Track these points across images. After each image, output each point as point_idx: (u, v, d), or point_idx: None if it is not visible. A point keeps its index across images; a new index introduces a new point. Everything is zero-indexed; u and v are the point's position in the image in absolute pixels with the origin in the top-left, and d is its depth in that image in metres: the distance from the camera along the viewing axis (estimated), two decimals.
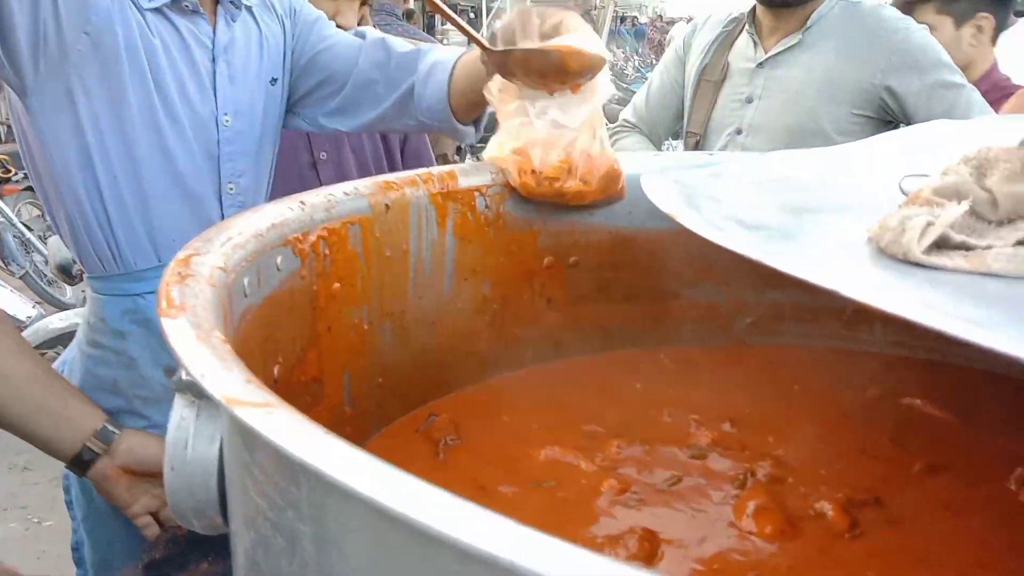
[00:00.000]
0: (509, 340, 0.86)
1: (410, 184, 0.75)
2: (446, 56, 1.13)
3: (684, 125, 1.73)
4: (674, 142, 2.21)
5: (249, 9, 1.15)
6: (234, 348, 0.50)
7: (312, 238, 0.64)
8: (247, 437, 0.32)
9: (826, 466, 0.69)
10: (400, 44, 1.18)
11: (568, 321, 0.90)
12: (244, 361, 0.52)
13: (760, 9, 1.60)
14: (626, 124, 1.82)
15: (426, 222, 0.77)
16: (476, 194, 0.80)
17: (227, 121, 1.11)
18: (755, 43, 1.60)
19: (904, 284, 0.41)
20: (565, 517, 0.64)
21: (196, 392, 0.49)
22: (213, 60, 1.08)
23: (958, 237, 0.45)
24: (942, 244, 0.45)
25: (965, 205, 0.45)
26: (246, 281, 0.52)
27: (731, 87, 1.62)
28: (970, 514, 0.63)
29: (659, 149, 1.83)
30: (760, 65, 1.59)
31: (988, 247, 0.45)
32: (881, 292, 0.37)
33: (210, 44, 1.09)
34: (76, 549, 1.29)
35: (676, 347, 0.94)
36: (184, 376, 0.48)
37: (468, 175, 0.80)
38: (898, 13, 1.60)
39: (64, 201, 1.07)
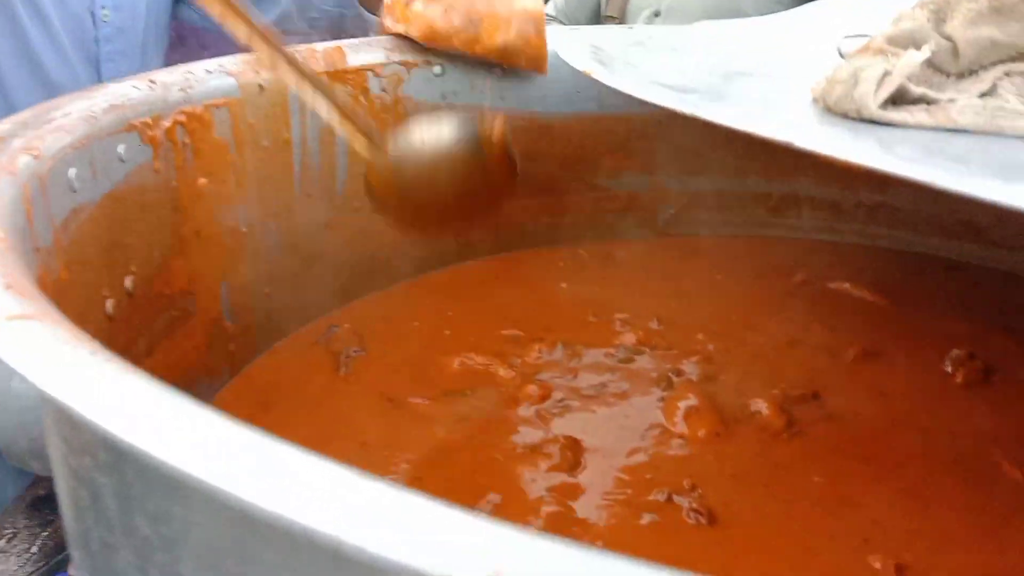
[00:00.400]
0: (415, 241, 0.78)
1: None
2: None
3: (602, 10, 1.64)
4: None
5: None
6: (61, 255, 0.41)
7: (166, 123, 0.54)
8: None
9: (759, 361, 0.65)
10: None
11: (478, 220, 0.82)
12: (78, 270, 0.43)
13: None
14: (547, 16, 1.72)
15: (308, 109, 0.67)
16: (369, 74, 0.71)
17: (105, 16, 0.96)
18: None
19: (862, 142, 0.35)
20: (482, 428, 0.58)
21: None
22: None
23: (917, 90, 0.38)
24: (898, 99, 0.39)
25: (926, 51, 0.38)
26: (72, 173, 0.42)
27: None
28: (909, 402, 0.59)
29: None
30: None
31: (950, 100, 0.38)
32: (845, 146, 0.30)
33: None
34: None
35: (597, 242, 0.88)
36: None
37: (359, 51, 0.70)
38: None
39: None
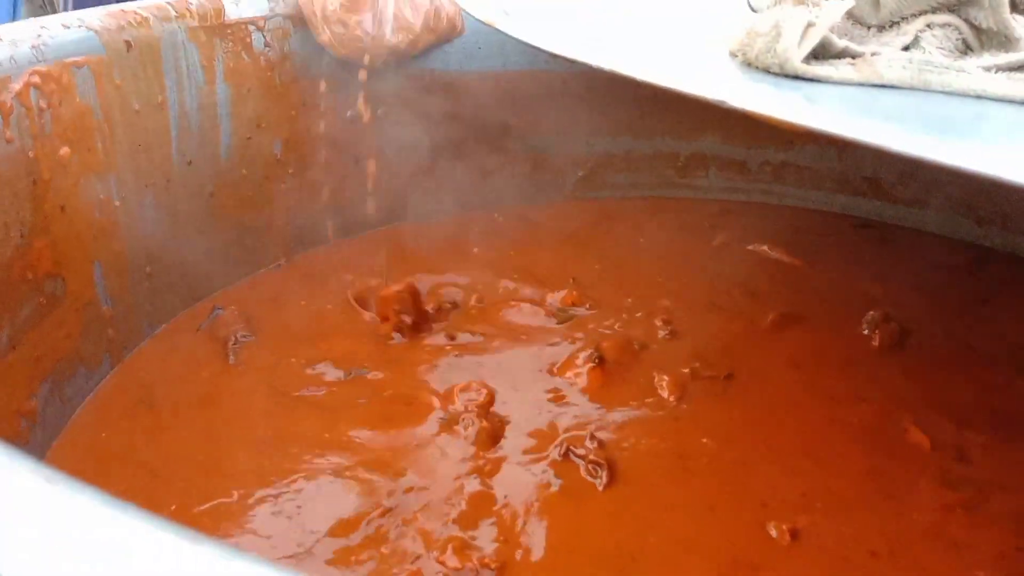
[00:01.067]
0: (312, 210, 0.73)
1: (160, 16, 0.58)
2: None
3: None
4: None
5: None
6: None
7: (16, 86, 0.47)
8: None
9: (681, 328, 0.63)
10: None
11: (379, 190, 0.77)
12: None
13: None
14: None
15: (187, 66, 0.60)
16: (251, 28, 0.65)
17: None
18: None
19: (788, 101, 0.32)
20: (392, 417, 0.54)
21: None
22: None
23: (841, 42, 0.36)
24: (821, 53, 0.36)
25: (845, 4, 0.36)
26: None
27: None
28: (824, 369, 0.58)
29: None
30: None
31: (874, 54, 0.36)
32: (776, 104, 0.28)
33: None
34: None
35: (509, 205, 0.84)
36: None
37: (240, 4, 0.64)
38: None
39: None
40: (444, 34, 0.69)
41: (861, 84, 0.34)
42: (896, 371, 0.58)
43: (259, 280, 0.68)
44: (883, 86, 0.34)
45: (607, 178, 0.88)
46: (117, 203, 0.57)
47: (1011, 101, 0.34)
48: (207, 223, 0.64)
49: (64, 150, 0.52)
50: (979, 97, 0.34)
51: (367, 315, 0.64)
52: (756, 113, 0.27)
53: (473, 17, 0.42)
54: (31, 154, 0.49)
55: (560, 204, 0.86)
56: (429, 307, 0.63)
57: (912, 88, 0.34)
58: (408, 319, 0.60)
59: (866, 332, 0.62)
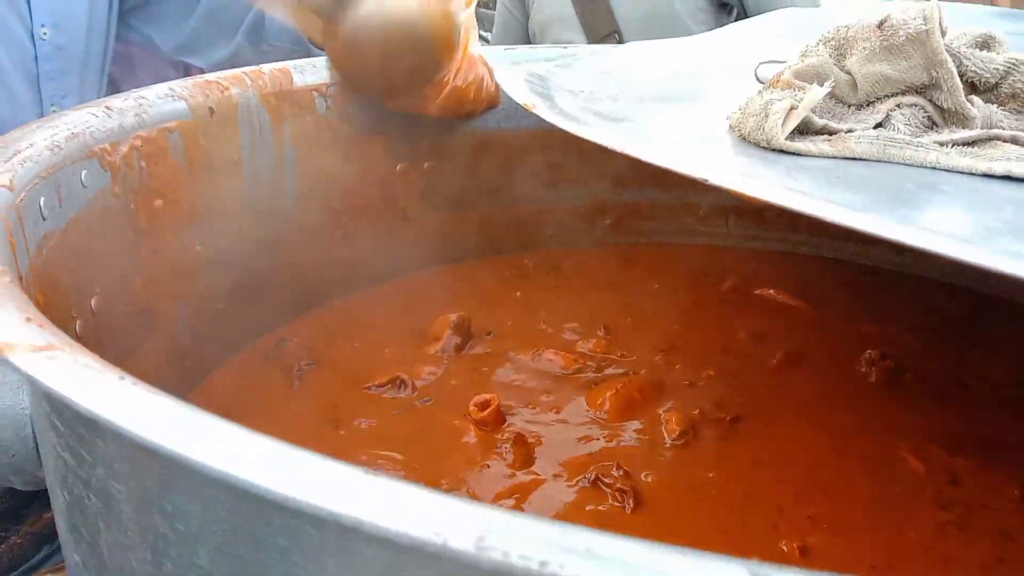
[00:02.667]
0: (364, 255, 0.81)
1: (237, 83, 0.67)
2: None
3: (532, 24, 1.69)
4: None
5: None
6: (36, 281, 0.43)
7: (123, 149, 0.56)
8: (36, 386, 0.27)
9: (694, 371, 0.69)
10: None
11: (426, 231, 0.85)
12: (51, 294, 0.45)
13: None
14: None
15: (259, 127, 0.69)
16: (315, 95, 0.73)
17: (45, 34, 0.96)
18: None
19: (771, 172, 0.39)
20: (435, 442, 0.61)
21: None
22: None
23: (820, 121, 0.43)
24: (804, 129, 0.43)
25: (827, 86, 0.43)
26: (42, 202, 0.45)
27: None
28: (826, 405, 0.64)
29: None
30: None
31: (850, 130, 0.43)
32: (751, 180, 0.35)
33: None
34: None
35: (539, 251, 0.92)
36: None
37: (305, 73, 0.73)
38: None
39: None
40: (486, 103, 0.77)
41: (835, 157, 0.41)
42: (892, 404, 0.64)
43: (318, 316, 0.75)
44: (854, 158, 0.41)
45: (633, 226, 0.95)
46: (198, 248, 0.65)
47: (961, 172, 0.41)
48: (272, 266, 0.72)
49: (158, 202, 0.60)
50: (934, 168, 0.41)
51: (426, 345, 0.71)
52: (730, 190, 0.34)
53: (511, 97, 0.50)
54: (132, 206, 0.58)
55: (589, 250, 0.93)
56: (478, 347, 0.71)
57: (878, 160, 0.41)
58: (458, 339, 0.68)
59: (864, 370, 0.68)
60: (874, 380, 0.67)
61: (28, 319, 0.24)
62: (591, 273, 0.88)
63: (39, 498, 0.96)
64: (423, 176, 0.83)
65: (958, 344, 0.72)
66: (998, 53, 0.48)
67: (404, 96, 0.73)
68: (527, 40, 1.74)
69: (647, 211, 0.94)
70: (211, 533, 0.22)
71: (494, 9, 1.93)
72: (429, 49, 0.67)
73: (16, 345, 0.23)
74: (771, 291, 0.82)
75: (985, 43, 0.50)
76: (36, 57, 0.95)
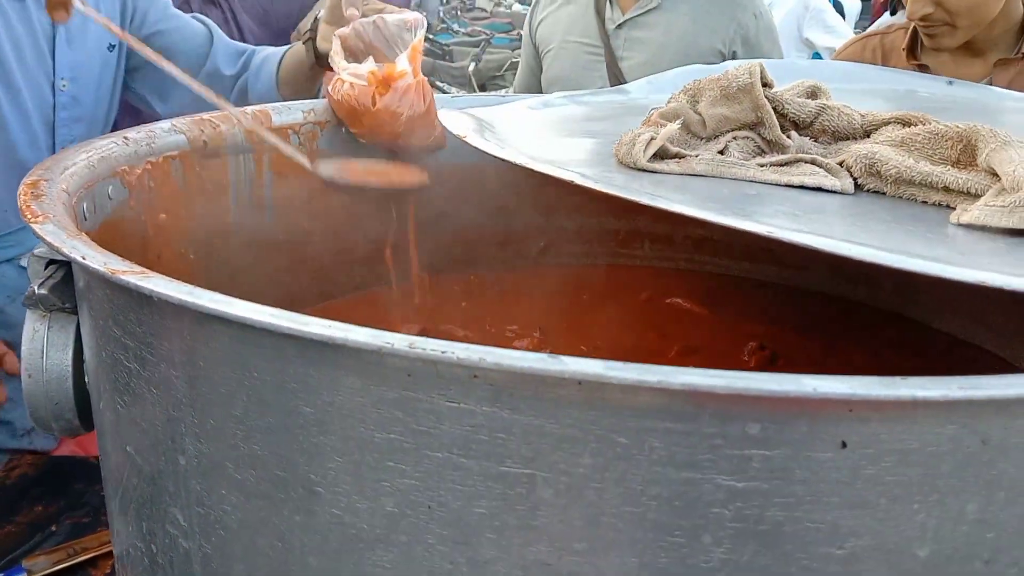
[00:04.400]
0: (329, 268, 0.95)
1: (226, 121, 0.81)
2: (274, 51, 1.19)
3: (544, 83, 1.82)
4: None
5: None
6: None
7: (138, 171, 0.69)
8: (126, 310, 0.40)
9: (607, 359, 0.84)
10: (232, 42, 1.22)
11: (381, 254, 0.99)
12: None
13: None
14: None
15: (243, 157, 0.83)
16: (289, 132, 0.88)
17: (64, 86, 1.09)
18: (609, 2, 1.71)
19: (634, 183, 0.54)
20: None
21: (48, 305, 0.55)
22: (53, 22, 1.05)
23: (674, 149, 0.59)
24: (663, 155, 0.59)
25: (677, 124, 0.59)
26: (84, 206, 0.58)
27: (586, 43, 1.73)
28: None
29: None
30: (619, 26, 1.70)
31: (696, 155, 0.59)
32: (615, 187, 0.50)
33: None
34: None
35: (483, 271, 1.06)
36: (35, 290, 0.54)
37: (281, 114, 0.87)
38: None
39: None
40: (429, 140, 0.93)
41: (682, 174, 0.57)
42: None
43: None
44: (696, 175, 0.57)
45: (563, 248, 1.10)
46: (191, 257, 0.78)
47: (774, 184, 0.56)
48: (254, 271, 0.86)
49: (162, 216, 0.74)
50: (752, 181, 0.56)
51: None
52: (593, 189, 0.49)
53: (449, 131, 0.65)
54: (143, 218, 0.71)
55: (524, 269, 1.08)
56: None
57: (713, 176, 0.56)
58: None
59: (745, 358, 0.84)
60: (752, 366, 0.82)
61: (122, 259, 0.38)
62: (528, 288, 1.03)
63: (29, 494, 1.07)
64: (378, 203, 0.97)
65: (824, 339, 0.88)
66: (820, 100, 0.65)
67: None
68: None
69: (574, 236, 1.09)
70: (245, 389, 0.36)
71: (449, 61, 2.07)
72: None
73: (124, 271, 0.36)
74: (678, 300, 0.98)
75: (812, 92, 0.67)
76: (54, 105, 1.08)
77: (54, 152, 1.09)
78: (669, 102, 0.63)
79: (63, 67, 1.08)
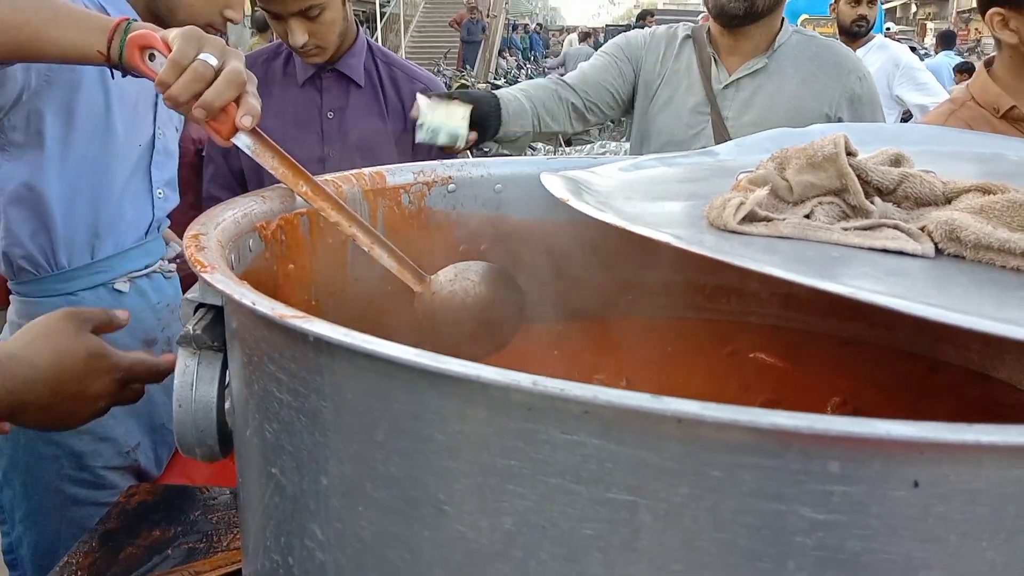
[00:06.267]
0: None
1: (345, 182, 0.89)
2: None
3: (636, 127, 1.83)
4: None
5: None
6: None
7: (273, 226, 0.78)
8: (282, 348, 0.47)
9: None
10: None
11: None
12: None
13: (717, 29, 1.74)
14: (557, 81, 1.82)
15: (360, 214, 0.91)
16: (401, 191, 0.96)
17: (161, 135, 1.25)
18: (715, 62, 1.74)
19: (725, 244, 0.59)
20: None
21: (200, 344, 0.63)
22: (156, 95, 1.26)
23: (762, 213, 0.63)
24: (752, 218, 0.63)
25: (765, 190, 0.64)
26: (233, 257, 0.66)
27: (692, 102, 1.74)
28: None
29: (578, 117, 1.80)
30: (726, 87, 1.73)
31: (783, 219, 0.63)
32: (707, 248, 0.55)
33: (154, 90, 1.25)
34: (10, 551, 1.36)
35: (573, 320, 1.12)
36: (190, 330, 0.62)
37: (395, 175, 0.95)
38: (850, 52, 1.81)
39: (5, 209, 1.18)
40: None
41: (769, 236, 0.61)
42: None
43: None
44: (783, 237, 0.61)
45: (651, 301, 1.14)
46: (314, 303, 0.86)
47: (858, 247, 0.60)
48: (365, 322, 0.93)
49: (291, 266, 0.82)
50: (837, 244, 0.60)
51: None
52: (685, 249, 0.54)
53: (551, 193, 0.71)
54: (275, 268, 0.79)
55: (613, 320, 1.13)
56: None
57: (800, 239, 0.61)
58: None
59: (829, 412, 0.86)
60: None
61: (284, 304, 0.45)
62: (616, 339, 1.07)
63: (147, 520, 1.16)
64: (479, 256, 1.04)
65: (908, 397, 0.89)
66: (903, 168, 0.69)
67: None
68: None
69: (663, 289, 1.13)
70: (386, 418, 0.42)
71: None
72: None
73: (289, 315, 0.43)
74: (762, 355, 1.01)
75: (896, 160, 0.70)
76: (152, 151, 1.30)
77: (151, 189, 1.26)
78: (757, 168, 0.68)
79: (161, 120, 1.30)
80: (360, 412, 0.44)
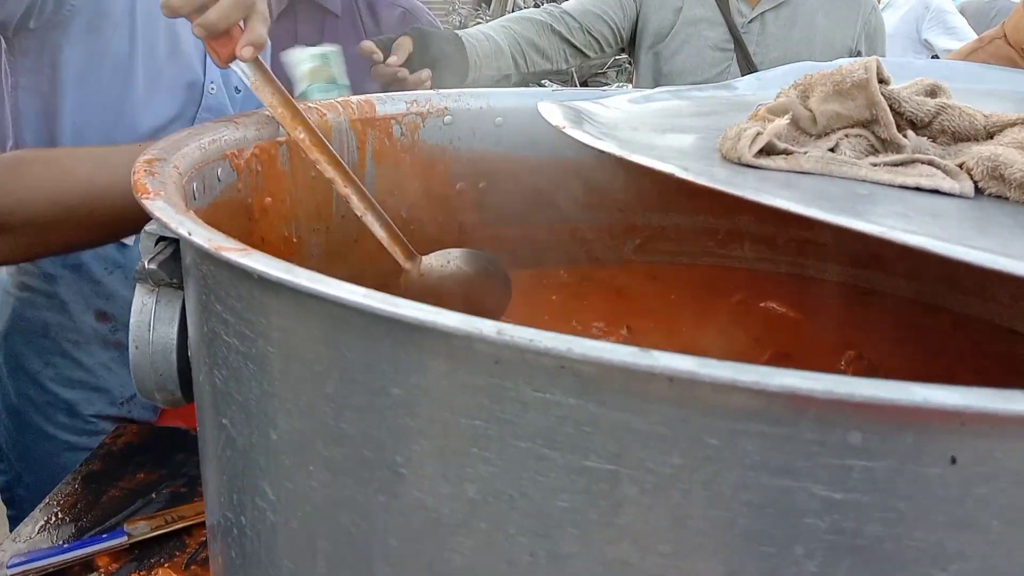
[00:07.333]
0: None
1: (331, 110, 0.83)
2: None
3: (648, 70, 1.72)
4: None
5: None
6: None
7: (247, 154, 0.71)
8: (227, 286, 0.41)
9: None
10: None
11: (478, 243, 1.00)
12: None
13: None
14: (550, 12, 1.67)
15: (347, 146, 0.85)
16: (392, 122, 0.89)
17: (212, 89, 1.16)
18: None
19: (738, 178, 0.53)
20: None
21: (156, 280, 0.57)
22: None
23: (782, 145, 0.56)
24: (770, 151, 0.57)
25: (786, 120, 0.57)
26: (194, 186, 0.60)
27: (713, 39, 1.64)
28: None
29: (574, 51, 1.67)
30: (751, 21, 1.63)
31: (805, 152, 0.56)
32: (717, 181, 0.48)
33: None
34: (7, 489, 1.33)
35: (575, 266, 1.06)
36: (145, 264, 0.57)
37: (385, 104, 0.89)
38: None
39: (7, 145, 1.11)
40: None
41: (789, 171, 0.54)
42: None
43: None
44: (804, 172, 0.55)
45: (658, 246, 1.08)
46: (295, 240, 0.81)
47: (888, 185, 0.54)
48: (352, 261, 0.87)
49: (268, 199, 0.76)
50: (864, 181, 0.54)
51: None
52: (694, 182, 0.47)
53: (547, 122, 0.64)
54: (249, 200, 0.73)
55: (616, 266, 1.07)
56: None
57: (822, 175, 0.54)
58: None
59: (843, 367, 0.80)
60: (849, 374, 0.79)
61: (226, 237, 0.39)
62: (619, 285, 1.01)
63: (133, 461, 1.12)
64: (478, 194, 0.98)
65: (927, 352, 0.83)
66: (940, 99, 0.61)
67: None
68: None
69: (672, 234, 1.07)
70: (337, 367, 0.36)
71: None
72: None
73: (227, 247, 0.37)
74: (773, 304, 0.95)
75: (932, 91, 0.63)
76: (199, 107, 1.17)
77: None
78: (778, 97, 0.61)
79: (214, 71, 1.16)
80: (310, 360, 0.38)
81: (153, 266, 0.56)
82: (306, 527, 0.41)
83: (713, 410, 0.29)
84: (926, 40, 3.13)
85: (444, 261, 0.83)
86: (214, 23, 0.67)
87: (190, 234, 0.39)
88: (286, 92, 0.71)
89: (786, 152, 0.56)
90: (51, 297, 1.18)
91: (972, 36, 3.13)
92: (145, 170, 0.51)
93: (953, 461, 0.29)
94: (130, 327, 0.58)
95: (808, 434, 0.29)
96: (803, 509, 0.30)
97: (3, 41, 1.06)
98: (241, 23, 0.69)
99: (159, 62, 1.10)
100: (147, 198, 0.45)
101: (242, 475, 0.45)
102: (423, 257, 0.81)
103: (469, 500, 0.34)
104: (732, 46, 1.63)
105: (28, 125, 1.09)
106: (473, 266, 0.86)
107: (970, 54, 1.50)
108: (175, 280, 0.57)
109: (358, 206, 0.73)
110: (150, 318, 0.57)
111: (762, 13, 1.63)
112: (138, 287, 0.58)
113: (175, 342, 0.58)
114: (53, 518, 1.01)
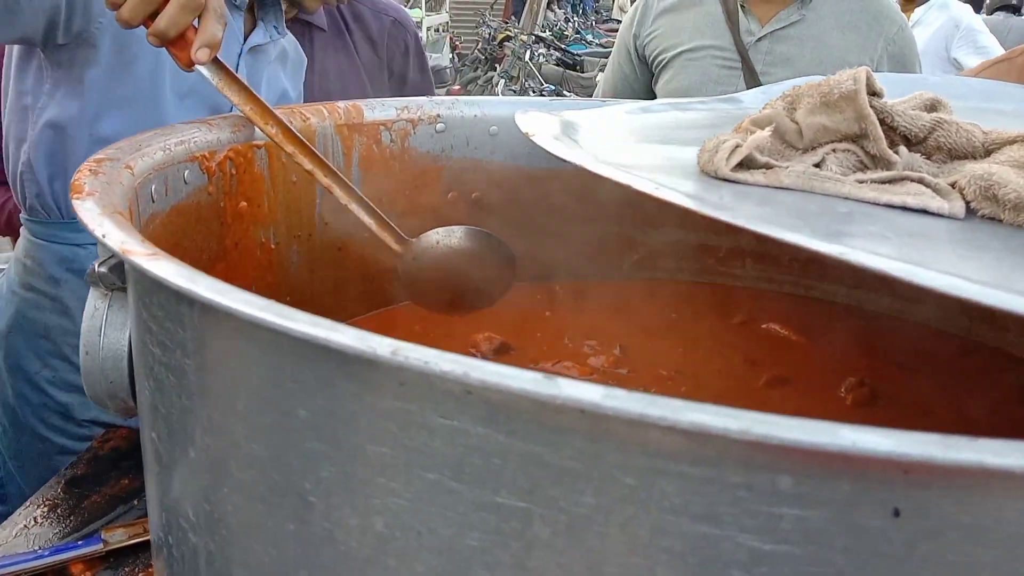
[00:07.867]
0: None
1: (316, 114, 0.81)
2: None
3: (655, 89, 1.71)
4: None
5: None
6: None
7: (219, 157, 0.69)
8: (149, 293, 0.39)
9: (684, 386, 0.79)
10: None
11: None
12: None
13: None
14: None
15: (332, 152, 0.83)
16: (381, 128, 0.87)
17: None
18: (742, 9, 1.60)
19: (710, 194, 0.49)
20: None
21: (108, 284, 0.55)
22: (239, 56, 1.12)
23: (762, 159, 0.53)
24: (750, 164, 0.53)
25: (767, 131, 0.54)
26: (153, 188, 0.58)
27: (719, 56, 1.61)
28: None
29: None
30: (759, 40, 1.59)
31: (787, 167, 0.53)
32: (680, 195, 0.45)
33: (240, 42, 1.11)
34: (1, 486, 1.33)
35: (571, 281, 1.03)
36: (95, 268, 0.55)
37: (374, 110, 0.86)
38: (894, 3, 1.67)
39: (22, 148, 1.10)
40: None
41: (768, 186, 0.51)
42: (855, 422, 0.72)
43: (380, 316, 0.87)
44: (784, 188, 0.51)
45: (657, 263, 1.05)
46: (272, 246, 0.78)
47: (872, 203, 0.50)
48: (337, 268, 0.85)
49: (242, 204, 0.74)
50: (846, 199, 0.50)
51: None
52: (662, 199, 0.44)
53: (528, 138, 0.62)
54: (222, 204, 0.71)
55: (615, 282, 1.03)
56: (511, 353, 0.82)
57: (802, 191, 0.51)
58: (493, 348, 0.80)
59: (842, 394, 0.76)
60: (849, 403, 0.75)
61: (142, 240, 0.37)
62: (615, 303, 0.98)
63: (117, 467, 1.11)
64: (471, 204, 0.95)
65: (935, 381, 0.79)
66: (938, 114, 0.58)
67: None
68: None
69: (671, 250, 1.04)
70: (246, 384, 0.33)
71: (580, 71, 1.92)
72: None
73: (135, 251, 0.35)
74: (775, 326, 0.91)
75: (931, 106, 0.60)
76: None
77: None
78: (764, 108, 0.58)
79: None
80: (222, 375, 0.36)
81: (104, 269, 0.54)
82: (222, 552, 0.38)
83: (628, 446, 0.26)
84: (955, 59, 3.07)
85: (435, 241, 0.81)
86: (164, 31, 0.65)
87: (104, 236, 0.37)
88: (251, 89, 0.69)
89: (767, 166, 0.53)
90: (54, 300, 1.17)
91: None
92: (90, 169, 0.49)
93: (896, 514, 0.25)
94: (81, 332, 0.56)
95: (733, 477, 0.26)
96: (728, 560, 0.27)
97: (40, 52, 1.06)
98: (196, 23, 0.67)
99: (188, 79, 1.09)
100: (77, 197, 0.43)
101: (168, 493, 0.43)
102: (414, 240, 0.78)
103: (377, 534, 0.32)
104: (740, 64, 1.60)
105: (43, 136, 1.08)
106: (470, 244, 0.83)
107: (987, 68, 1.46)
108: (127, 285, 0.55)
109: (340, 195, 0.71)
110: (101, 323, 0.55)
111: (771, 32, 1.60)
112: (91, 291, 0.56)
113: (126, 349, 0.56)
114: (33, 522, 0.99)
